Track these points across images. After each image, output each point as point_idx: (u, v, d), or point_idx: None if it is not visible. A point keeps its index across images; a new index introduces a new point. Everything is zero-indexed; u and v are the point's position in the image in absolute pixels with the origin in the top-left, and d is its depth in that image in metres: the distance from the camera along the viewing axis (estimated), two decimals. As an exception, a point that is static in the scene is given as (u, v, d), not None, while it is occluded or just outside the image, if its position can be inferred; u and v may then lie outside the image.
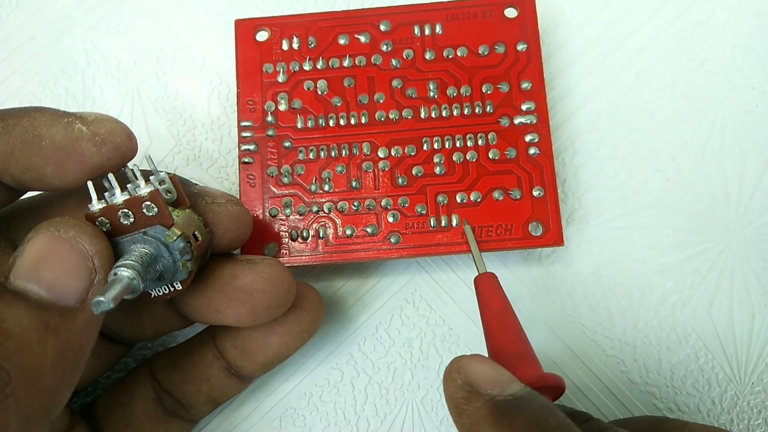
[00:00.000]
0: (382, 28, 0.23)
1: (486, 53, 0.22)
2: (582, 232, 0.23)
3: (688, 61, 0.24)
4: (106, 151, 0.17)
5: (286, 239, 0.21)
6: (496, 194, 0.21)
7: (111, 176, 0.17)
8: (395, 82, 0.22)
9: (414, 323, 0.23)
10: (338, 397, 0.23)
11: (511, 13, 0.22)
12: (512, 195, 0.21)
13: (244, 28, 0.23)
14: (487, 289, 0.19)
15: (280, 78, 0.22)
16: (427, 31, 0.22)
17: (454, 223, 0.21)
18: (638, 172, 0.24)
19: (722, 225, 0.23)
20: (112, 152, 0.17)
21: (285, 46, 0.23)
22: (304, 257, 0.21)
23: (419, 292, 0.23)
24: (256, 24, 0.23)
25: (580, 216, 0.23)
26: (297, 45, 0.23)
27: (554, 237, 0.21)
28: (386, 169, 0.22)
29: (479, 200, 0.21)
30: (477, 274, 0.20)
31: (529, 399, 0.16)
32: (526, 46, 0.22)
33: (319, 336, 0.23)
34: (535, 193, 0.21)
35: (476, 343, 0.23)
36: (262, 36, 0.23)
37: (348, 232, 0.21)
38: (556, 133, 0.24)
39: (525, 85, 0.22)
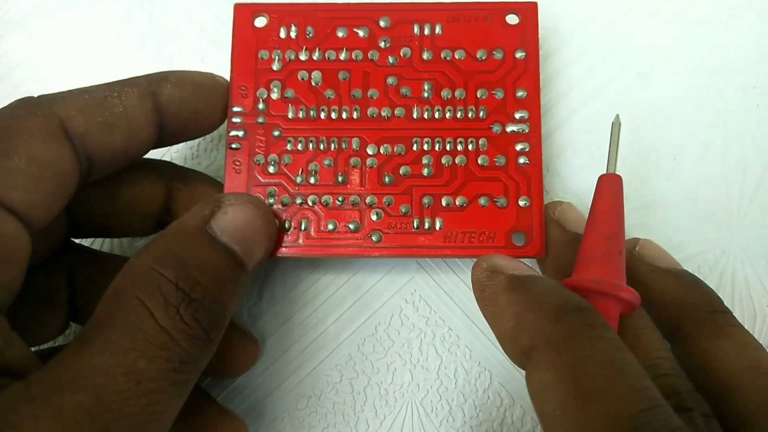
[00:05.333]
0: (382, 24, 0.22)
1: (484, 58, 0.22)
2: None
3: (689, 60, 0.24)
4: None
5: (268, 229, 0.21)
6: (482, 201, 0.21)
7: None
8: (390, 80, 0.22)
9: (414, 324, 0.23)
10: (337, 398, 0.23)
11: (512, 19, 0.22)
12: (498, 203, 0.21)
13: (243, 13, 0.22)
14: (601, 190, 0.19)
15: (275, 66, 0.22)
16: (426, 31, 0.22)
17: (437, 226, 0.21)
18: (639, 172, 0.23)
19: (724, 225, 0.23)
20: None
21: (282, 34, 0.22)
22: (284, 249, 0.21)
23: (419, 293, 0.23)
24: (255, 9, 0.22)
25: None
26: (294, 34, 0.22)
27: (536, 248, 0.21)
28: (374, 166, 0.22)
29: (464, 205, 0.21)
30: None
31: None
32: (524, 54, 0.22)
33: (318, 336, 0.23)
34: (521, 203, 0.21)
35: (477, 344, 0.23)
36: (260, 22, 0.22)
37: (330, 226, 0.21)
38: (557, 132, 0.24)
39: (520, 94, 0.22)
